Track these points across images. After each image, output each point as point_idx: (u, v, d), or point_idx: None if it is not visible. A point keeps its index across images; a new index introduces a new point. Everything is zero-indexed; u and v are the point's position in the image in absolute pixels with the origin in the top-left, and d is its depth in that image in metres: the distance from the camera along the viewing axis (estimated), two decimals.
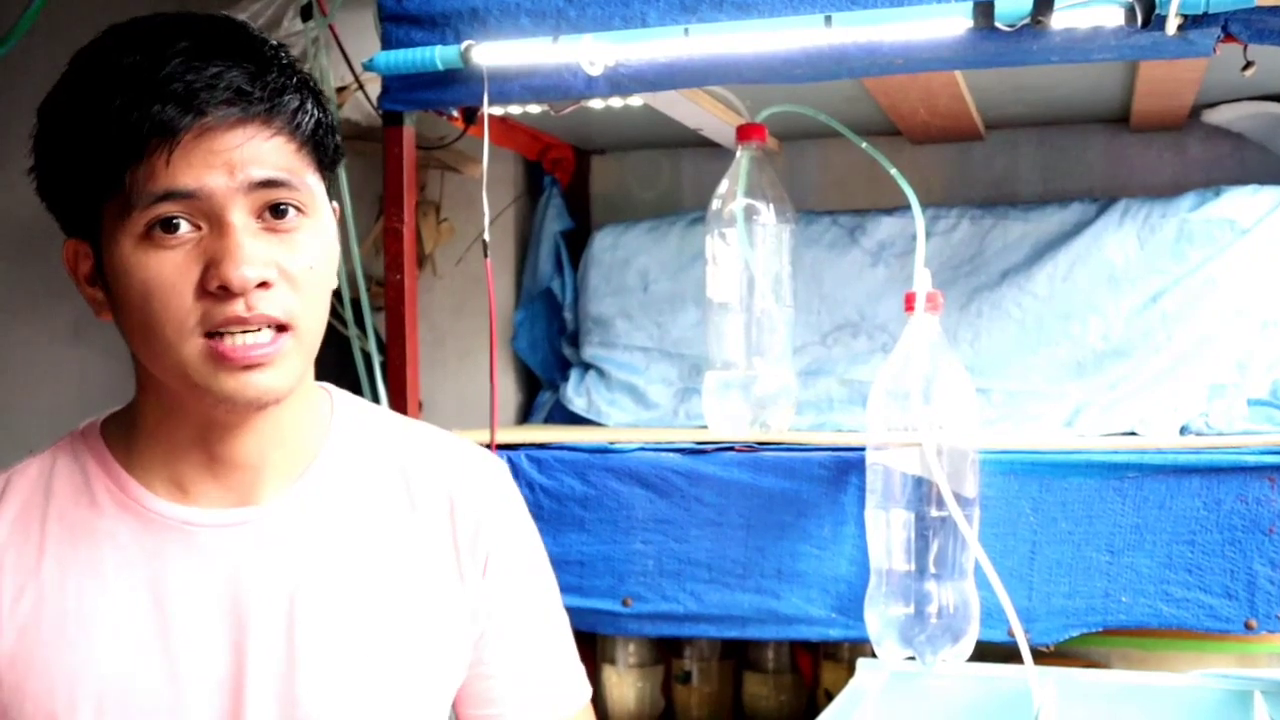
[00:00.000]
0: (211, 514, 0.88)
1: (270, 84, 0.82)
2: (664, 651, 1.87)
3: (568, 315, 1.84)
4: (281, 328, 0.83)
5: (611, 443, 1.40)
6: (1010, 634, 1.24)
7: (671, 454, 1.37)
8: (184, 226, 0.81)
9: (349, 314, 1.63)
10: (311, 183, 0.86)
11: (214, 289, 0.81)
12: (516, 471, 1.41)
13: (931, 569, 1.22)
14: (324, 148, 0.88)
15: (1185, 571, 1.23)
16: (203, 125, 0.80)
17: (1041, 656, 1.21)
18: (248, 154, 0.81)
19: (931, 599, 1.22)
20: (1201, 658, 1.42)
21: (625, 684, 1.86)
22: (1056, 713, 1.13)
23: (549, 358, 1.87)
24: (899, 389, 1.24)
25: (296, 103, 0.84)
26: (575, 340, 1.82)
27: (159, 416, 0.89)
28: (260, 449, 0.89)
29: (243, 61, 0.82)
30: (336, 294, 1.77)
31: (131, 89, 0.79)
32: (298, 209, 0.85)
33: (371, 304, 1.66)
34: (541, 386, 1.88)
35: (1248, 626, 1.22)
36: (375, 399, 1.52)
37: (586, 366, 1.78)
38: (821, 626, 1.32)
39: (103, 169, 0.80)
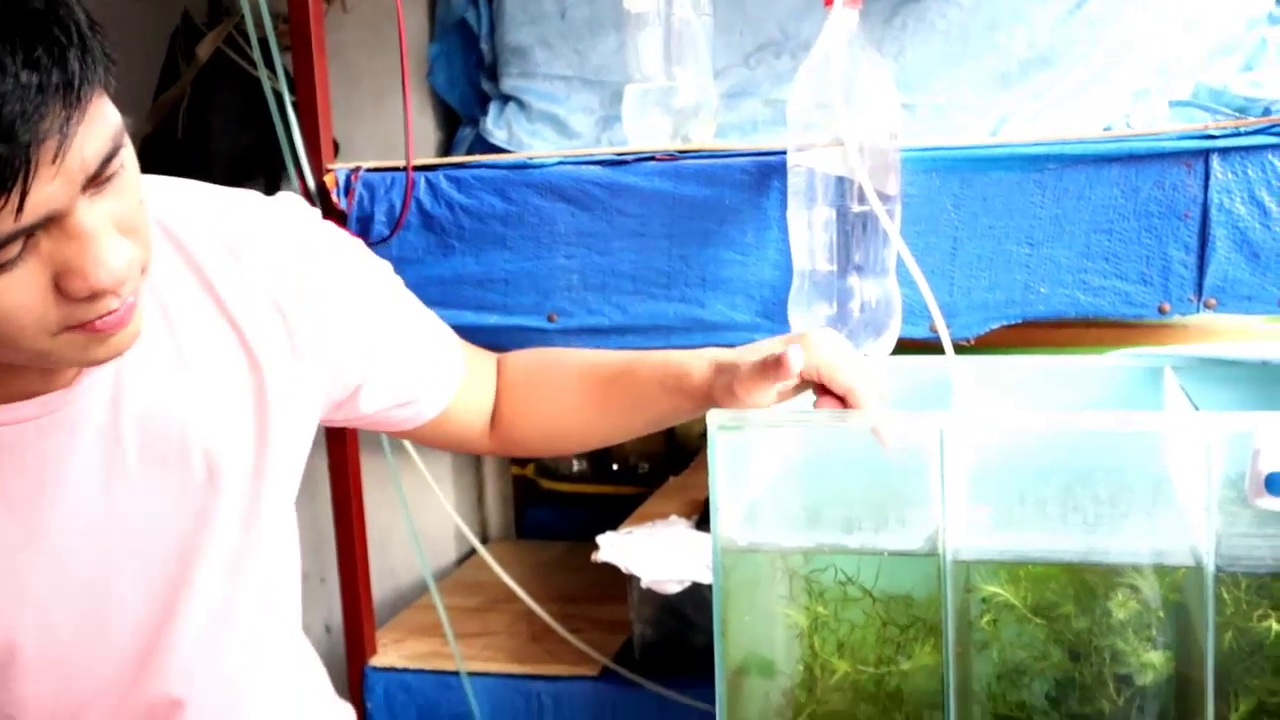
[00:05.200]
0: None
1: (71, 64, 0.66)
2: None
3: (484, 47, 1.78)
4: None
5: (530, 158, 1.38)
6: (932, 329, 1.26)
7: (592, 166, 1.35)
8: (17, 248, 0.68)
9: (257, 54, 1.57)
10: (110, 112, 0.72)
11: (84, 297, 0.71)
12: (436, 192, 1.39)
13: (854, 267, 1.22)
14: (110, 69, 0.71)
15: (1103, 260, 1.25)
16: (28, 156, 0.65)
17: (962, 353, 1.23)
18: (75, 147, 0.67)
19: (854, 295, 1.22)
20: None
21: None
22: (977, 396, 1.15)
23: (467, 92, 1.82)
24: (819, 87, 1.22)
25: (94, 57, 0.69)
26: (494, 73, 1.77)
27: None
28: None
29: (48, 52, 0.65)
30: (243, 33, 1.71)
31: None
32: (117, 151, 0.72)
33: (280, 44, 1.60)
34: (461, 122, 1.84)
35: (1161, 310, 1.24)
36: (290, 140, 1.49)
37: (506, 99, 1.74)
38: (747, 331, 1.33)
39: None
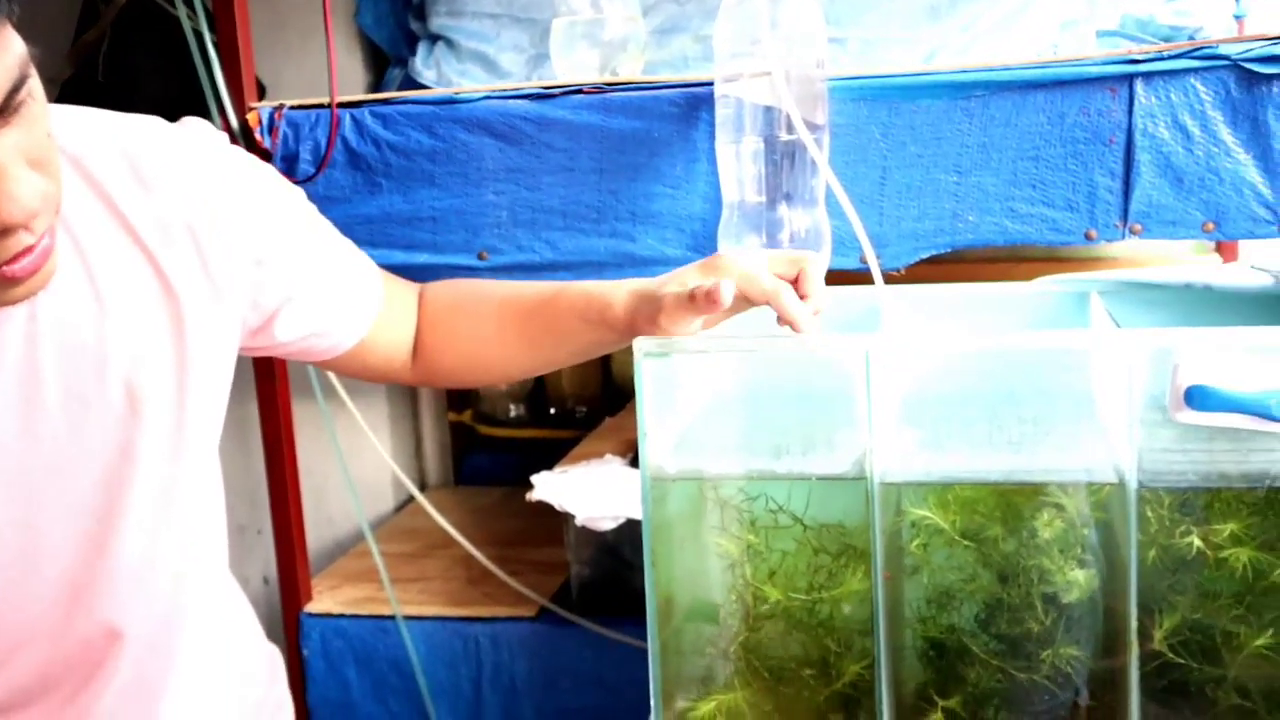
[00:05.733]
0: None
1: None
2: None
3: None
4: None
5: (457, 93, 1.36)
6: (862, 260, 1.26)
7: (519, 101, 1.33)
8: None
9: None
10: (14, 40, 0.68)
11: None
12: (362, 130, 1.37)
13: (783, 197, 1.22)
14: None
15: (1030, 187, 1.25)
16: None
17: (892, 283, 1.23)
18: None
19: (783, 225, 1.22)
20: None
21: None
22: (907, 322, 1.15)
23: (395, 32, 1.79)
24: (745, 16, 1.21)
25: None
26: (421, 12, 1.74)
27: None
28: None
29: None
30: None
31: None
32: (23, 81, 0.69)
33: None
34: (390, 63, 1.81)
35: (1087, 237, 1.25)
36: (212, 81, 1.45)
37: (434, 38, 1.71)
38: (678, 265, 1.31)
39: None
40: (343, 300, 1.05)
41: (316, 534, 1.86)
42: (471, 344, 1.11)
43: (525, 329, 1.08)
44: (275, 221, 0.97)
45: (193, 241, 0.89)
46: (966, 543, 0.96)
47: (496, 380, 1.17)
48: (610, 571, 1.47)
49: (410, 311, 1.13)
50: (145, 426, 0.87)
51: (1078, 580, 0.94)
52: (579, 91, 1.32)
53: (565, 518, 1.43)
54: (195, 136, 0.93)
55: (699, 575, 1.01)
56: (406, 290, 1.14)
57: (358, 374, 1.14)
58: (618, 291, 1.02)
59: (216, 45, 1.46)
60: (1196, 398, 0.86)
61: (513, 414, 1.89)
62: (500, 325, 1.09)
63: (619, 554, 1.46)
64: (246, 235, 0.93)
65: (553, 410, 1.89)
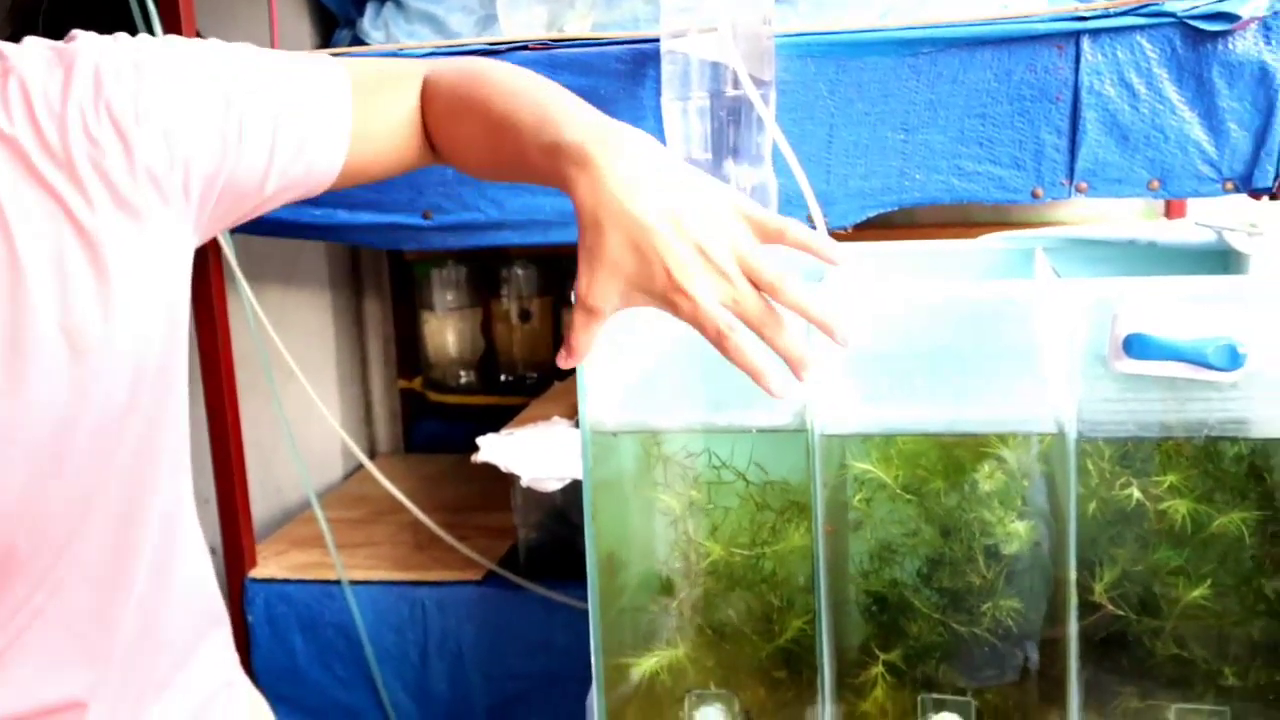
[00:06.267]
0: None
1: None
2: (482, 294, 1.86)
3: None
4: None
5: (400, 48, 1.34)
6: (809, 218, 1.25)
7: (464, 58, 1.31)
8: None
9: None
10: None
11: None
12: None
13: (729, 153, 1.21)
14: None
15: (977, 145, 1.25)
16: None
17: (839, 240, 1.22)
18: None
19: (730, 183, 1.21)
20: None
21: (446, 327, 1.86)
22: (852, 277, 1.14)
23: None
24: None
25: None
26: None
27: None
28: None
29: None
30: None
31: None
32: None
33: None
34: (338, 24, 1.79)
35: (1034, 195, 1.24)
36: (150, 33, 1.43)
37: None
38: None
39: None
40: (299, 139, 0.96)
41: (264, 503, 1.84)
42: (468, 161, 1.04)
43: (510, 173, 1.03)
44: (181, 104, 0.89)
45: (96, 171, 0.85)
46: (909, 496, 0.96)
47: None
48: (557, 535, 1.46)
49: (403, 109, 1.03)
50: (87, 362, 0.85)
51: (1018, 532, 0.94)
52: (525, 48, 1.31)
53: (513, 482, 1.42)
54: (77, 55, 0.87)
55: (642, 532, 1.00)
56: (395, 89, 1.04)
57: (377, 179, 1.05)
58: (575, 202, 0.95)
59: (158, 3, 1.44)
60: (1135, 346, 0.86)
61: (463, 380, 1.88)
62: (494, 159, 1.01)
63: (566, 518, 1.45)
64: (153, 143, 0.87)
65: (504, 377, 1.88)
